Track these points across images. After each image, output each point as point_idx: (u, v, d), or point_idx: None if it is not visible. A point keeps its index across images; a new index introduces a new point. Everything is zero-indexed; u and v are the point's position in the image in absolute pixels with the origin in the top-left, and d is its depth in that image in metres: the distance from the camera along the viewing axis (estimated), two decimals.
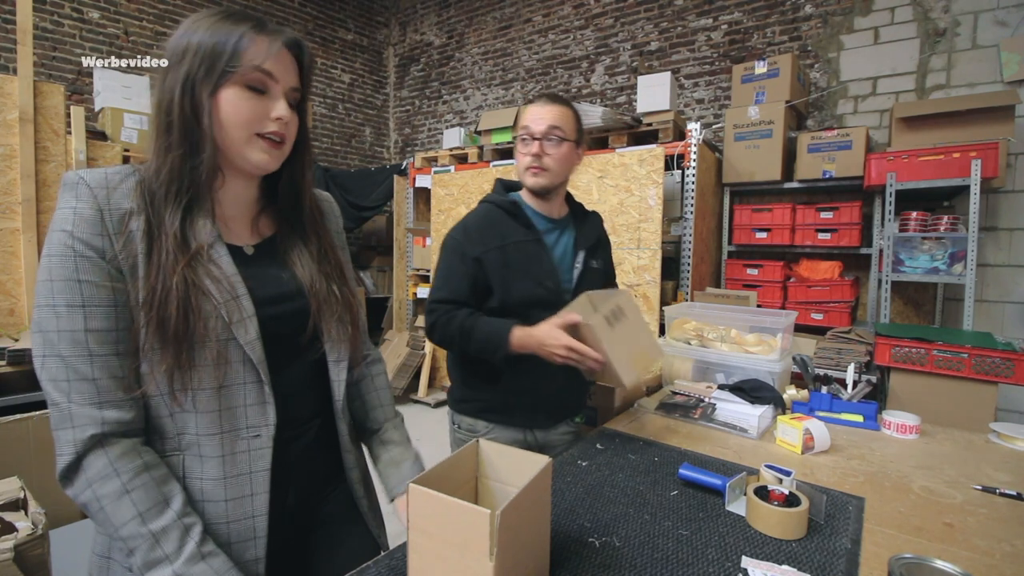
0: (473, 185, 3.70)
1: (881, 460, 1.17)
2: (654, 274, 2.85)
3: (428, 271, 4.32)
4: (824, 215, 3.12)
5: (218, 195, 0.75)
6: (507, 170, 3.56)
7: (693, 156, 2.99)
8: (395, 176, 4.88)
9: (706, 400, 1.45)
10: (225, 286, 0.70)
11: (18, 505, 1.22)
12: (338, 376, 0.85)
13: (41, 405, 1.84)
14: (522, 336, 1.14)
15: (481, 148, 4.08)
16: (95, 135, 3.53)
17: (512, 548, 0.60)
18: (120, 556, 0.70)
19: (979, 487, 1.03)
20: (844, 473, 1.10)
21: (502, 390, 1.27)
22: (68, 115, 2.59)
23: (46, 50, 4.08)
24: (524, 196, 1.34)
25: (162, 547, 0.64)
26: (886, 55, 3.31)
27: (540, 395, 1.28)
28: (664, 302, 2.81)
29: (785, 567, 0.75)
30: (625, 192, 2.93)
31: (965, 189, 2.64)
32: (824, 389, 1.52)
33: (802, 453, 1.19)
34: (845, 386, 1.55)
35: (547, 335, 1.10)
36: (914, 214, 2.76)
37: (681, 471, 1.01)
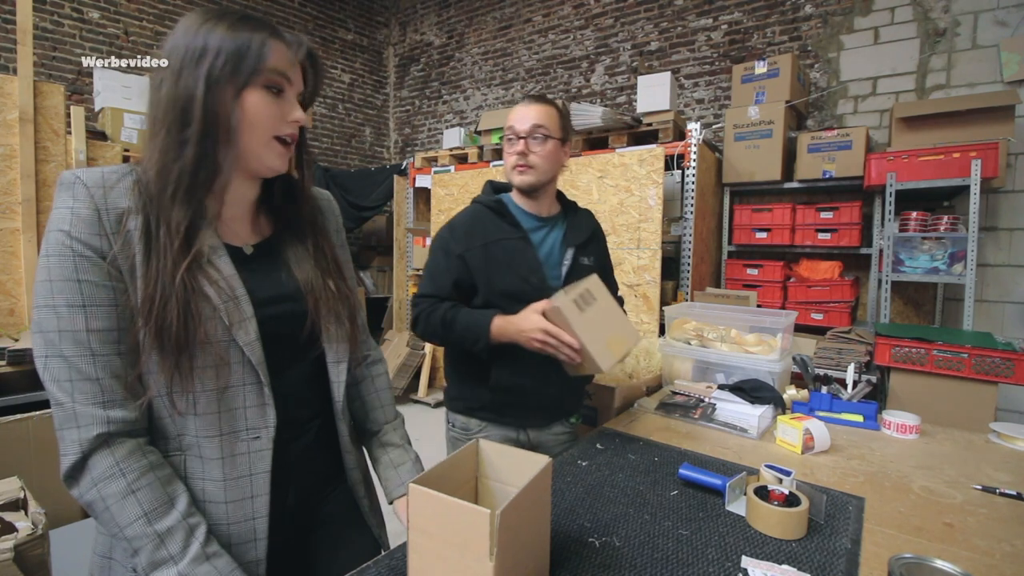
0: (473, 185, 3.70)
1: (881, 460, 1.17)
2: (654, 274, 2.84)
3: None
4: (824, 215, 3.11)
5: (222, 195, 0.75)
6: None
7: (693, 156, 2.99)
8: (395, 176, 4.88)
9: (706, 400, 1.45)
10: (224, 288, 0.70)
11: (18, 505, 1.22)
12: (338, 377, 0.85)
13: (41, 405, 1.84)
14: (502, 324, 1.16)
15: (481, 148, 4.08)
16: (95, 135, 3.53)
17: (512, 548, 0.60)
18: (122, 556, 0.70)
19: (979, 487, 1.03)
20: (844, 473, 1.10)
21: (493, 389, 1.28)
22: (68, 115, 2.59)
23: (46, 50, 4.08)
24: (513, 196, 1.35)
25: (167, 547, 0.64)
26: (886, 55, 3.31)
27: (532, 394, 1.29)
28: (664, 302, 2.81)
29: (785, 567, 0.75)
30: (625, 192, 2.93)
31: (965, 189, 2.64)
32: (824, 389, 1.52)
33: (802, 453, 1.19)
34: (845, 386, 1.55)
35: (524, 319, 1.13)
36: (914, 214, 2.76)
37: (681, 471, 1.01)
